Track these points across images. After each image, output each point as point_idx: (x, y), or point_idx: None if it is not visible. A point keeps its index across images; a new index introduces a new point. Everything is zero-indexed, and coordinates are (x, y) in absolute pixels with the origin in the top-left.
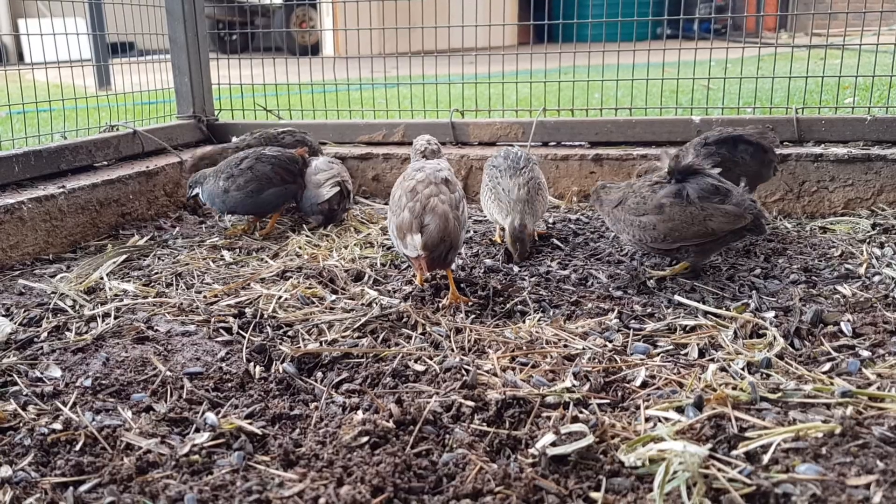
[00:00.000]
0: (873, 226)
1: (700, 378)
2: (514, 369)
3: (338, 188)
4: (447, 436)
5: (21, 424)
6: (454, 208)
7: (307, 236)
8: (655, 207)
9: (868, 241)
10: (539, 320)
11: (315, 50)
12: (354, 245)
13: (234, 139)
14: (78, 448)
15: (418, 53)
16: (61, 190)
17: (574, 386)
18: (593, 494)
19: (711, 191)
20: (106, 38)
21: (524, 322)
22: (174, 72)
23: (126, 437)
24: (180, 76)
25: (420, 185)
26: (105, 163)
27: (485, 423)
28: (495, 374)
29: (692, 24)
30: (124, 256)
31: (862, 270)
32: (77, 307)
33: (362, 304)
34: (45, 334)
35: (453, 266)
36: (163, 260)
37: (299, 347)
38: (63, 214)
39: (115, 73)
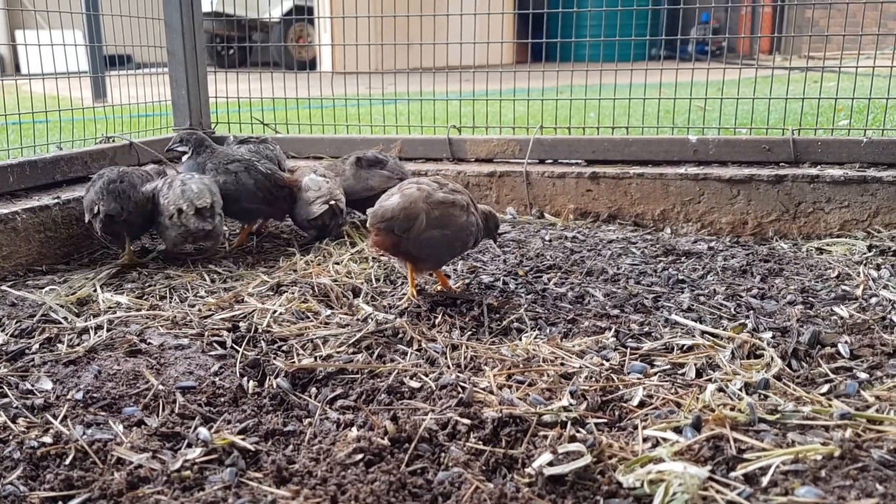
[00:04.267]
0: (870, 247)
1: (698, 398)
2: (510, 387)
3: (326, 206)
4: (443, 454)
5: (10, 437)
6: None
7: (302, 250)
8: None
9: (865, 262)
10: (536, 338)
11: (312, 66)
12: (350, 260)
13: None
14: (68, 462)
15: (416, 70)
16: (56, 201)
17: (571, 405)
18: None
19: (374, 161)
20: (103, 50)
21: (521, 339)
22: (171, 84)
23: (117, 452)
24: (177, 88)
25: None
26: None
27: (481, 442)
28: (491, 392)
29: (687, 47)
30: (119, 268)
31: (859, 292)
32: (69, 319)
33: (357, 320)
34: (37, 346)
35: (446, 269)
36: (157, 272)
37: (293, 362)
38: (57, 225)
39: (112, 86)
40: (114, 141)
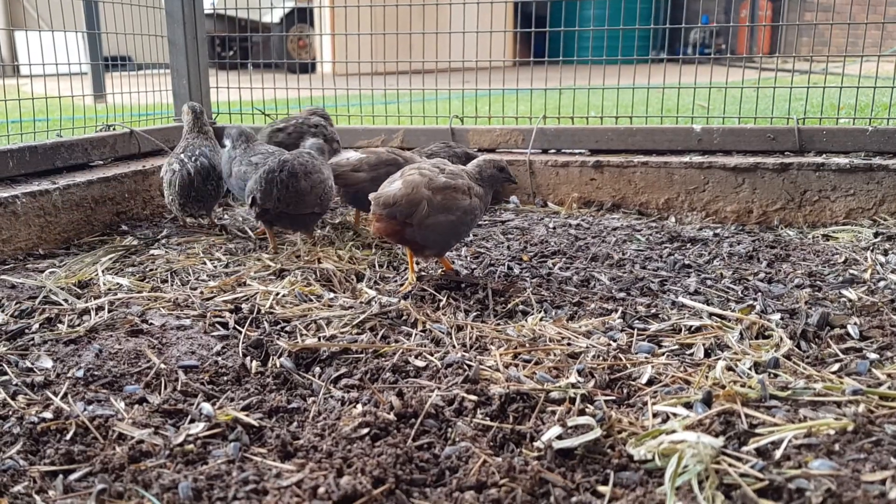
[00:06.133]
0: (876, 234)
1: (708, 376)
2: (516, 366)
3: None
4: (449, 429)
5: (10, 413)
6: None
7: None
8: None
9: (871, 248)
10: (541, 319)
11: (313, 67)
12: (353, 246)
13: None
14: (69, 437)
15: (417, 72)
16: (56, 185)
17: (579, 382)
18: (601, 488)
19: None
20: (103, 47)
21: (526, 321)
22: (172, 74)
23: (118, 427)
24: (178, 78)
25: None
26: (101, 162)
27: (488, 418)
28: (498, 370)
29: (687, 50)
30: (119, 253)
31: (867, 276)
32: (69, 301)
33: (361, 303)
34: (37, 326)
35: (450, 254)
36: (158, 258)
37: (297, 343)
38: (57, 210)
39: (112, 87)
40: (114, 129)
